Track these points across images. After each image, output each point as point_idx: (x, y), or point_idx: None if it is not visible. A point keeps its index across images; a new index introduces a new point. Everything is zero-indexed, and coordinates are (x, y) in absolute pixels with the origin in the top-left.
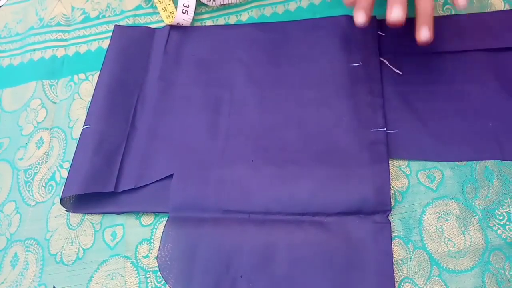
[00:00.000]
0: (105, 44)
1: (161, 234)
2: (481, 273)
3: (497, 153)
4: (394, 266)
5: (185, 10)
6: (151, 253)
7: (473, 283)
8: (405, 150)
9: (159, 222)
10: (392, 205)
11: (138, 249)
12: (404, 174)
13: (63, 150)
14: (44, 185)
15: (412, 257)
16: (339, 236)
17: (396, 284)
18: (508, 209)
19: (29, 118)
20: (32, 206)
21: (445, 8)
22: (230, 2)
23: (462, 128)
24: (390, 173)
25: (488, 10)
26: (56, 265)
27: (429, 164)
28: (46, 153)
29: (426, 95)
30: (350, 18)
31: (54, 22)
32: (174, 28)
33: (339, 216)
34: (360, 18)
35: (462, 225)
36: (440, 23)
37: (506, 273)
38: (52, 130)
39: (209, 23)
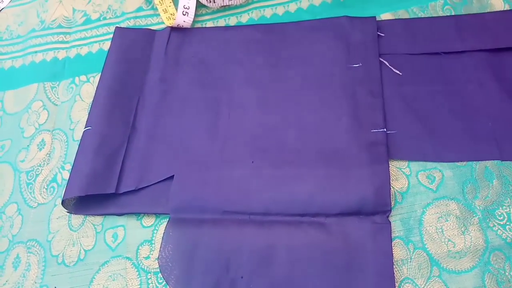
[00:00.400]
0: (106, 46)
1: (162, 235)
2: (481, 273)
3: (497, 153)
4: (394, 267)
5: (186, 12)
6: (152, 254)
7: (473, 283)
8: (405, 150)
9: (160, 223)
10: (392, 206)
11: (139, 250)
12: (404, 175)
13: (65, 152)
14: (45, 187)
15: (412, 257)
16: (339, 237)
17: (397, 284)
18: (508, 210)
19: (30, 120)
20: (34, 207)
21: (445, 8)
22: (230, 3)
23: (462, 128)
24: (390, 174)
25: (488, 10)
26: (58, 266)
27: (429, 164)
28: (47, 155)
29: (426, 95)
30: (350, 19)
31: (56, 24)
32: (175, 29)
33: (339, 217)
34: None
35: (462, 225)
36: (440, 23)
37: (506, 273)
38: (53, 132)
39: (209, 24)
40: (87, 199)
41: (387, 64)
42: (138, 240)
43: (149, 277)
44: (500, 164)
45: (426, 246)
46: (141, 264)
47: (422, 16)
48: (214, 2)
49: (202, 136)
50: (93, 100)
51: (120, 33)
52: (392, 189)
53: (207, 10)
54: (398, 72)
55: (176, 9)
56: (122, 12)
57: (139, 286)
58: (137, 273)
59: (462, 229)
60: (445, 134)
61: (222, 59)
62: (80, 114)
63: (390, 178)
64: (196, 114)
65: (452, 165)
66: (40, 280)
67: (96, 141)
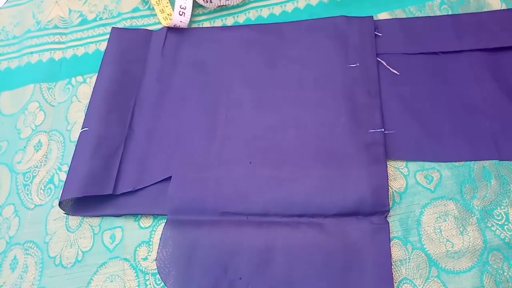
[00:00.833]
0: (103, 46)
1: (160, 236)
2: (480, 273)
3: (495, 153)
4: (392, 267)
5: (182, 12)
6: (150, 255)
7: (472, 283)
8: (403, 150)
9: (158, 224)
10: (390, 206)
11: (137, 252)
12: (402, 175)
13: (62, 153)
14: (43, 188)
15: (411, 257)
16: (337, 238)
17: (395, 285)
18: (506, 209)
19: (27, 121)
20: (31, 209)
21: (442, 8)
22: (227, 3)
23: (460, 128)
24: (388, 174)
25: (485, 9)
26: (55, 268)
27: (427, 164)
28: (44, 156)
29: (424, 95)
30: (347, 18)
31: (52, 25)
32: (171, 30)
33: (337, 217)
34: None
35: (460, 225)
36: (437, 23)
37: (505, 273)
38: (50, 133)
39: (206, 24)
40: (84, 200)
41: (385, 64)
42: (136, 241)
43: (147, 278)
44: (498, 164)
45: (424, 247)
46: (139, 265)
47: (419, 16)
48: (211, 2)
49: (200, 136)
50: (89, 101)
51: (117, 33)
52: (390, 189)
53: (204, 10)
54: (395, 71)
55: (173, 9)
56: (119, 13)
57: (137, 287)
58: (135, 274)
59: (460, 229)
60: (443, 134)
61: (219, 60)
62: (77, 115)
63: (388, 178)
64: (194, 115)
65: (450, 165)
66: (38, 282)
67: (93, 142)
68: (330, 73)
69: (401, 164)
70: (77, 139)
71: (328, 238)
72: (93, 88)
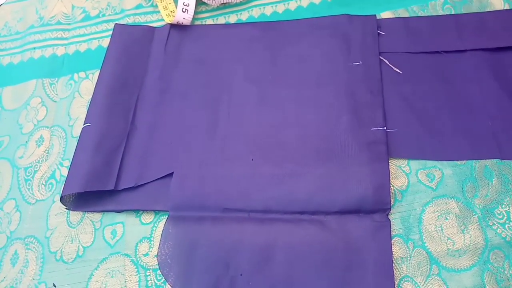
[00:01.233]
0: (105, 42)
1: (161, 232)
2: (481, 272)
3: (496, 152)
4: (393, 265)
5: (185, 9)
6: (151, 251)
7: (473, 281)
8: (405, 149)
9: (159, 220)
10: (392, 204)
11: (138, 247)
12: (404, 173)
13: (63, 148)
14: (44, 183)
15: (412, 255)
16: (339, 235)
17: (396, 282)
18: (507, 208)
19: (29, 116)
20: (32, 204)
21: (445, 7)
22: (230, 1)
23: (462, 127)
24: (390, 172)
25: (488, 9)
26: (56, 263)
27: (429, 163)
28: (46, 151)
29: (426, 94)
30: (350, 17)
31: (54, 20)
32: (174, 27)
33: (338, 214)
34: None
35: (461, 224)
36: (440, 22)
37: (506, 272)
38: (52, 128)
39: (209, 22)
40: (85, 195)
41: (387, 63)
42: (137, 237)
43: (148, 274)
44: (500, 163)
45: (425, 245)
46: (140, 261)
47: (422, 15)
48: None
49: (202, 133)
50: (92, 97)
51: (120, 30)
52: (392, 187)
53: (207, 8)
54: (398, 70)
55: (176, 6)
56: (122, 9)
57: (137, 283)
58: (136, 270)
59: (461, 227)
60: (445, 132)
61: (221, 57)
62: (79, 111)
63: (390, 177)
64: (196, 112)
65: (451, 164)
66: (38, 277)
67: (95, 138)
68: (333, 71)
69: (402, 163)
70: (79, 135)
71: (329, 235)
72: (96, 84)
